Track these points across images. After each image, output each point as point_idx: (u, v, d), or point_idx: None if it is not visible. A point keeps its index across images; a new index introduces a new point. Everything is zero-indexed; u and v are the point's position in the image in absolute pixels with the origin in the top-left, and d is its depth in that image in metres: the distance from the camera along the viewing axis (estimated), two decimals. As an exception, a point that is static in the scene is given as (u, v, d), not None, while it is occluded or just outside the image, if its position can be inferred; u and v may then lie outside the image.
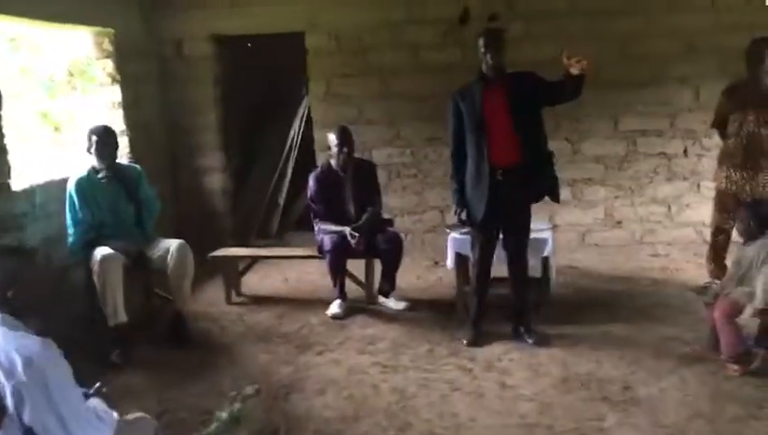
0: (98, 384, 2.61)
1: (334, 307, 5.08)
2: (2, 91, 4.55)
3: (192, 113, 6.98)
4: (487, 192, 4.22)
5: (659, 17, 6.36)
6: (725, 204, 5.06)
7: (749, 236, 4.07)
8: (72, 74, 6.25)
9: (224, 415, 2.94)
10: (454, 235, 4.87)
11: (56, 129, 6.30)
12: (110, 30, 6.06)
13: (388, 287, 5.22)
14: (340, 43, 6.74)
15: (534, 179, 4.32)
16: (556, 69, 4.57)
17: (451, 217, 4.99)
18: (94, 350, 4.43)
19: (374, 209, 5.20)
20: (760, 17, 6.18)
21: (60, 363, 2.26)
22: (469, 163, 4.30)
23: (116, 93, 6.18)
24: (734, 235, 5.11)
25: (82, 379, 2.46)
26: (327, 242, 5.03)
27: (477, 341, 4.48)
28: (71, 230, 4.66)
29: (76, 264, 4.78)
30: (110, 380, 3.45)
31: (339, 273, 5.09)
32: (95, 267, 4.40)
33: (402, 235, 5.58)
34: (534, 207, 4.50)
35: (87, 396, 2.51)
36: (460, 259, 4.89)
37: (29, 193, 4.75)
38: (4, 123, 4.52)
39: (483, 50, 4.21)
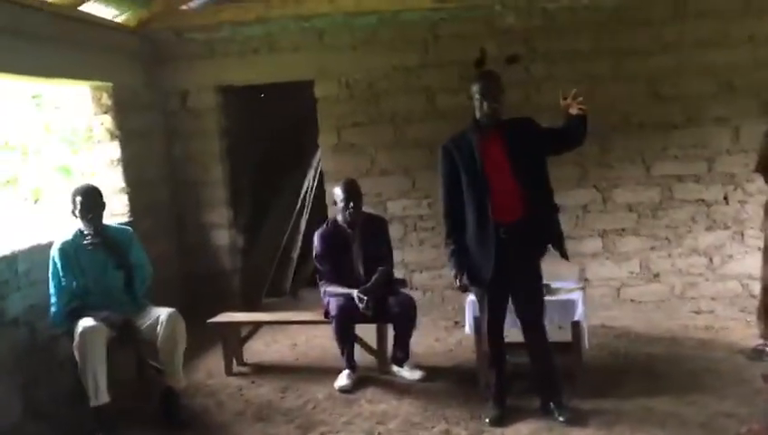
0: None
1: (342, 379, 4.60)
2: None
3: (198, 168, 6.66)
4: (494, 252, 3.77)
5: (692, 54, 5.92)
6: (777, 259, 4.53)
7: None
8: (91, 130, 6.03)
9: None
10: (472, 297, 4.38)
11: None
12: (109, 84, 5.79)
13: (401, 355, 4.74)
14: (351, 90, 6.41)
15: (539, 234, 3.87)
16: None
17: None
18: (79, 430, 4.03)
19: (385, 269, 4.76)
20: (802, 52, 5.73)
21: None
22: (470, 221, 3.86)
23: (115, 150, 5.87)
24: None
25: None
26: (333, 306, 4.59)
27: (501, 420, 3.96)
28: (53, 299, 4.29)
29: (64, 333, 4.40)
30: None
31: (346, 340, 4.63)
32: (75, 341, 4.01)
33: (416, 297, 5.12)
34: (563, 263, 4.02)
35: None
36: (478, 323, 4.39)
37: (10, 260, 4.39)
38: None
39: (478, 96, 3.81)
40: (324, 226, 4.89)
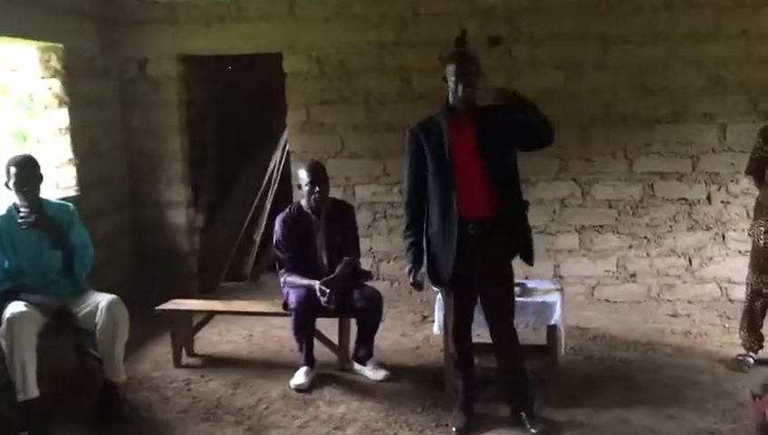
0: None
1: (299, 377, 4.26)
2: None
3: (155, 140, 6.23)
4: (456, 249, 3.45)
5: (682, 46, 5.63)
6: (764, 265, 4.29)
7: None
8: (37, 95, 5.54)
9: None
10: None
11: None
12: (59, 45, 5.32)
13: (364, 353, 4.41)
14: (321, 65, 6.02)
15: (509, 234, 3.55)
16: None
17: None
18: (6, 428, 3.65)
19: (350, 260, 4.42)
20: (796, 49, 5.48)
21: None
22: (433, 214, 3.54)
23: (63, 117, 5.41)
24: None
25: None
26: (293, 298, 4.24)
27: (469, 429, 3.67)
28: (-18, 279, 3.88)
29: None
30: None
31: (305, 335, 4.29)
32: (1, 329, 3.61)
33: (383, 288, 4.81)
34: (536, 260, 3.71)
35: None
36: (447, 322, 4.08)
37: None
38: None
39: (452, 78, 3.45)
40: (287, 210, 4.52)
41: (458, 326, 3.68)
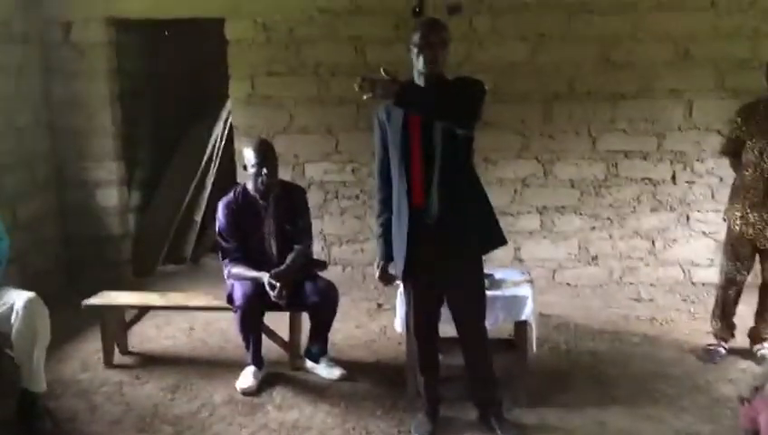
0: None
1: (246, 378, 3.87)
2: None
3: (82, 113, 5.66)
4: (407, 241, 3.14)
5: (649, 18, 5.36)
6: (739, 251, 4.07)
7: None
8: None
9: None
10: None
11: None
12: (-33, 5, 4.72)
13: (317, 350, 4.04)
14: (268, 33, 5.54)
15: (475, 226, 3.21)
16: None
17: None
18: None
19: (302, 249, 4.03)
20: (766, 23, 5.27)
21: None
22: (393, 202, 3.25)
23: (-26, 87, 4.83)
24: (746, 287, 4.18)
25: None
26: (238, 293, 3.83)
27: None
28: None
29: None
30: None
31: (253, 333, 3.89)
32: None
33: (335, 274, 4.46)
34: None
35: None
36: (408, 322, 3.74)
37: None
38: None
39: (415, 50, 3.05)
40: (231, 194, 4.07)
41: (421, 326, 3.35)
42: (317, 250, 5.58)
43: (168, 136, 7.07)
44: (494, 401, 3.44)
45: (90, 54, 5.59)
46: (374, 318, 5.04)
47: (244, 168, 4.03)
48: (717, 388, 3.85)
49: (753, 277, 4.19)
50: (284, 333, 4.15)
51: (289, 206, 4.06)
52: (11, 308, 3.39)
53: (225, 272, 4.01)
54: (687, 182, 5.54)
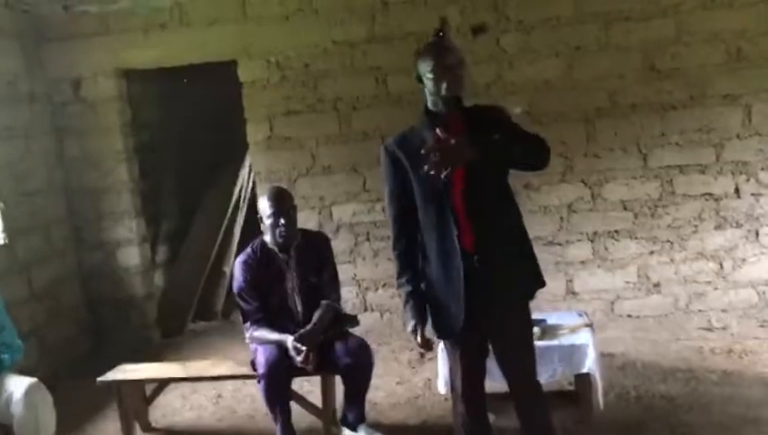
0: None
1: (276, 455, 3.46)
2: None
3: (98, 171, 5.41)
4: (463, 288, 2.68)
5: (693, 18, 4.90)
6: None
7: None
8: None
9: None
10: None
11: None
12: (-31, 69, 4.52)
13: (354, 416, 3.62)
14: (282, 71, 5.24)
15: (522, 266, 2.78)
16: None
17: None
18: None
19: (330, 304, 3.62)
20: (827, 12, 4.76)
21: None
22: (430, 251, 2.74)
23: (-20, 153, 4.61)
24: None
25: None
26: (261, 360, 3.44)
27: None
28: None
29: None
30: None
31: (280, 404, 3.47)
32: None
33: (372, 321, 4.06)
34: (546, 276, 2.90)
35: None
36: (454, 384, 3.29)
37: None
38: None
39: (431, 76, 2.63)
40: (248, 249, 3.71)
41: (469, 386, 2.88)
42: (351, 297, 5.23)
43: (193, 186, 6.80)
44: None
45: (101, 109, 5.37)
46: (417, 371, 4.60)
47: (260, 219, 3.66)
48: (820, 434, 3.31)
49: None
50: (317, 398, 3.73)
51: (312, 256, 3.68)
52: (10, 397, 3.06)
53: (247, 336, 3.63)
54: (753, 194, 5.01)
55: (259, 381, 3.43)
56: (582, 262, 5.18)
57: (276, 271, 3.64)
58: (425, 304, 2.76)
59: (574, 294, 5.18)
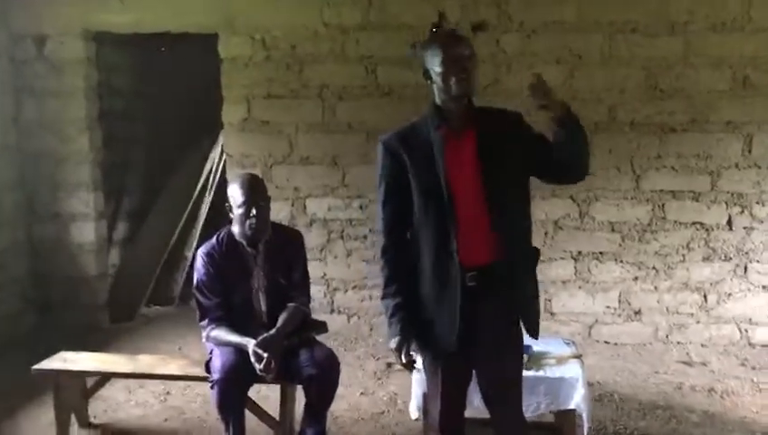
0: None
1: (225, 467, 3.14)
2: None
3: (57, 137, 5.02)
4: (459, 308, 2.40)
5: (702, 39, 4.69)
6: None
7: None
8: None
9: None
10: (421, 363, 3.00)
11: None
12: None
13: (313, 432, 3.31)
14: (267, 50, 4.90)
15: (518, 289, 2.50)
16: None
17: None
18: None
19: (297, 307, 3.31)
20: (839, 46, 4.59)
21: None
22: (425, 262, 2.46)
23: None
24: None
25: None
26: (217, 364, 3.12)
27: None
28: None
29: None
30: None
31: (233, 414, 3.15)
32: None
33: (339, 324, 3.75)
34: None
35: None
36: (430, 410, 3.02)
37: None
38: None
39: (441, 70, 2.36)
40: (213, 240, 3.37)
41: (447, 418, 2.61)
42: (318, 297, 4.92)
43: (161, 162, 6.43)
44: None
45: (66, 72, 4.99)
46: (383, 383, 4.32)
47: (229, 208, 3.34)
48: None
49: None
50: (273, 406, 3.42)
51: (283, 254, 3.36)
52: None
53: (204, 334, 3.30)
54: (745, 228, 4.82)
55: (213, 387, 3.10)
56: (564, 281, 4.95)
57: (242, 266, 3.31)
58: (411, 320, 2.46)
59: (552, 314, 4.95)
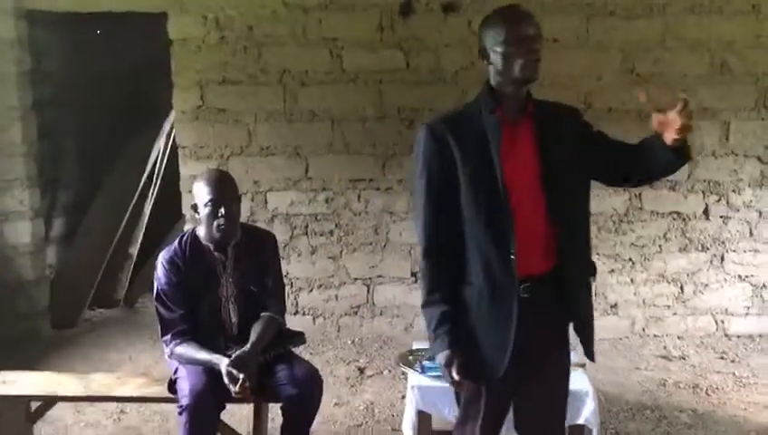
0: None
1: (195, 499, 2.80)
2: None
3: (-15, 128, 4.52)
4: (515, 321, 2.11)
5: (680, 22, 4.54)
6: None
7: None
8: None
9: None
10: (417, 379, 2.74)
11: None
12: None
13: (292, 455, 3.00)
14: (222, 32, 4.51)
15: (575, 305, 2.24)
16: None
17: (416, 332, 2.87)
18: None
19: (272, 317, 2.98)
20: (819, 31, 4.50)
21: None
22: (473, 268, 2.15)
23: None
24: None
25: None
26: (185, 387, 2.77)
27: None
28: None
29: None
30: None
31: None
32: None
33: (305, 326, 3.34)
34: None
35: None
36: (424, 422, 2.75)
37: None
38: None
39: (501, 50, 2.09)
40: (175, 244, 3.00)
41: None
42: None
43: (99, 152, 5.95)
44: None
45: (-5, 54, 4.47)
46: (357, 390, 4.03)
47: (194, 208, 2.98)
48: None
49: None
50: (243, 423, 3.10)
51: (254, 259, 3.02)
52: None
53: (167, 350, 2.94)
54: (722, 217, 4.72)
55: (180, 413, 2.75)
56: (539, 276, 4.75)
57: (209, 273, 2.96)
58: (461, 330, 2.15)
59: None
